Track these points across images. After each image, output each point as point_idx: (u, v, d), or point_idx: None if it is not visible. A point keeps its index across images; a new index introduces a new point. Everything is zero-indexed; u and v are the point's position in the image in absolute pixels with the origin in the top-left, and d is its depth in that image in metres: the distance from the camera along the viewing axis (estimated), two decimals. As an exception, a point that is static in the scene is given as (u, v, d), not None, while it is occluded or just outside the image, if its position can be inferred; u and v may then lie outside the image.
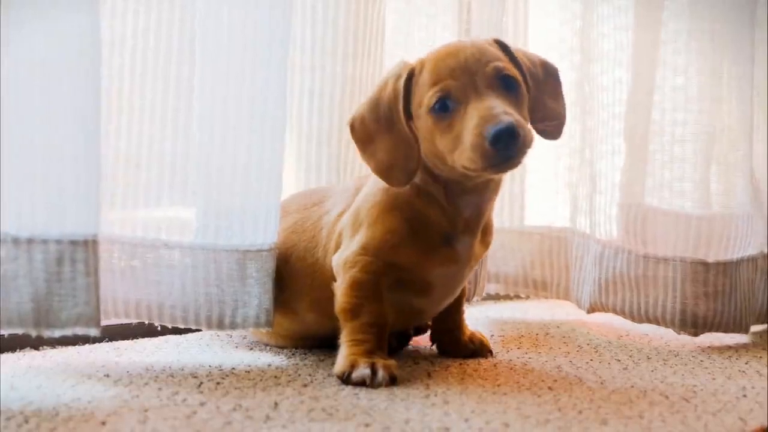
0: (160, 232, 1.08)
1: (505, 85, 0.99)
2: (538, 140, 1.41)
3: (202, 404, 0.89)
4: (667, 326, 1.34)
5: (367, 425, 0.83)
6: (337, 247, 1.08)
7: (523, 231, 1.55)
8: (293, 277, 1.12)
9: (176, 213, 1.11)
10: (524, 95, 1.02)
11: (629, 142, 1.41)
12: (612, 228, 1.41)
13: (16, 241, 0.91)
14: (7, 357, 1.09)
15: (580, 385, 1.03)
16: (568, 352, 1.22)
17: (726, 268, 1.33)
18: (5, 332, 0.95)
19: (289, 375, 1.04)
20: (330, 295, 1.05)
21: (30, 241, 0.92)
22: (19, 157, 0.92)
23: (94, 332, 0.94)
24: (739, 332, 1.35)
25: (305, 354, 1.16)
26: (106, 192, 1.08)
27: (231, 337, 1.26)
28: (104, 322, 1.18)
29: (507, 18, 1.48)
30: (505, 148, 0.93)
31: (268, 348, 1.20)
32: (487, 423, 0.85)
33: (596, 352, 1.24)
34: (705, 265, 1.33)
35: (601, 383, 1.04)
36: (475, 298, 1.42)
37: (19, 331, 0.93)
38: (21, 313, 0.91)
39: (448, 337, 1.18)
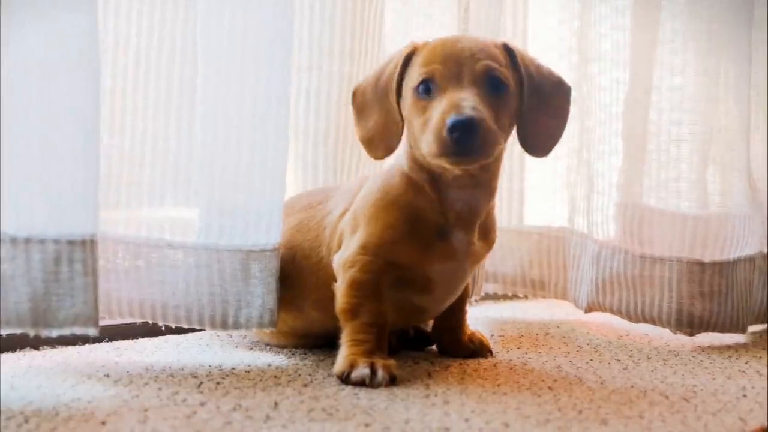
0: (164, 231, 1.09)
1: (491, 86, 0.99)
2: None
3: (202, 404, 0.89)
4: (663, 326, 1.34)
5: (367, 425, 0.83)
6: (339, 246, 1.08)
7: (522, 231, 1.55)
8: (298, 275, 1.12)
9: (180, 213, 1.11)
10: (511, 102, 1.02)
11: (627, 142, 1.41)
12: (609, 228, 1.41)
13: (14, 240, 0.91)
14: (7, 357, 1.09)
15: (580, 385, 1.03)
16: (568, 352, 1.22)
17: (722, 268, 1.33)
18: (4, 332, 0.95)
19: (289, 375, 1.04)
20: (333, 294, 1.06)
21: (28, 240, 0.92)
22: (17, 157, 0.91)
23: (92, 332, 0.94)
24: (736, 332, 1.35)
25: (305, 354, 1.16)
26: (110, 191, 1.08)
27: (231, 337, 1.26)
28: (105, 322, 1.20)
29: (506, 17, 1.48)
30: (460, 140, 0.93)
31: (268, 348, 1.20)
32: (487, 423, 0.85)
33: (596, 352, 1.24)
34: (701, 265, 1.33)
35: (601, 383, 1.04)
36: (473, 298, 1.42)
37: (17, 331, 0.93)
38: (19, 312, 0.91)
39: (448, 336, 1.18)
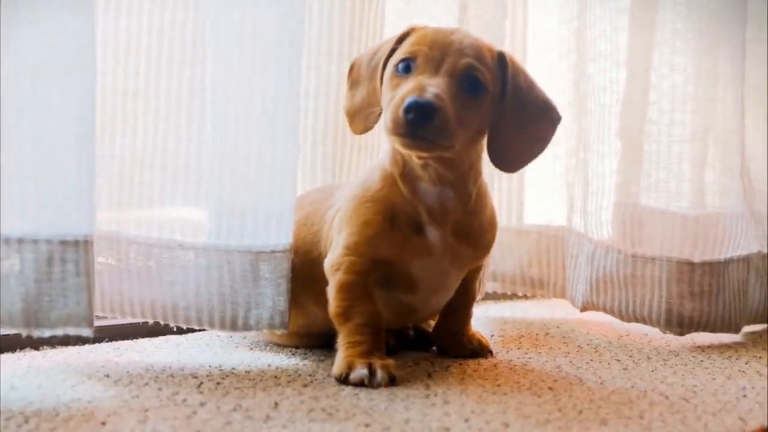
0: (175, 232, 1.09)
1: (468, 84, 0.99)
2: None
3: (202, 404, 0.89)
4: (653, 325, 1.34)
5: (367, 425, 0.83)
6: (331, 245, 1.08)
7: (521, 230, 1.55)
8: (300, 269, 1.12)
9: (190, 213, 1.11)
10: (484, 107, 1.01)
11: (624, 141, 1.41)
12: (605, 227, 1.41)
13: (7, 241, 0.91)
14: (7, 357, 1.09)
15: (580, 385, 1.03)
16: (568, 352, 1.22)
17: (713, 268, 1.33)
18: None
19: (289, 375, 1.04)
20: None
21: (21, 241, 0.92)
22: (11, 157, 0.91)
23: (86, 332, 0.94)
24: (728, 332, 1.35)
25: (305, 354, 1.16)
26: (123, 191, 1.09)
27: (231, 337, 1.26)
28: (106, 322, 1.20)
29: (506, 18, 1.48)
30: (414, 122, 0.93)
31: (268, 348, 1.20)
32: (487, 423, 0.85)
33: (596, 352, 1.24)
34: (691, 264, 1.33)
35: (601, 383, 1.04)
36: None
37: (10, 331, 0.93)
38: (11, 312, 0.91)
39: (448, 336, 1.18)
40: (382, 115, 1.00)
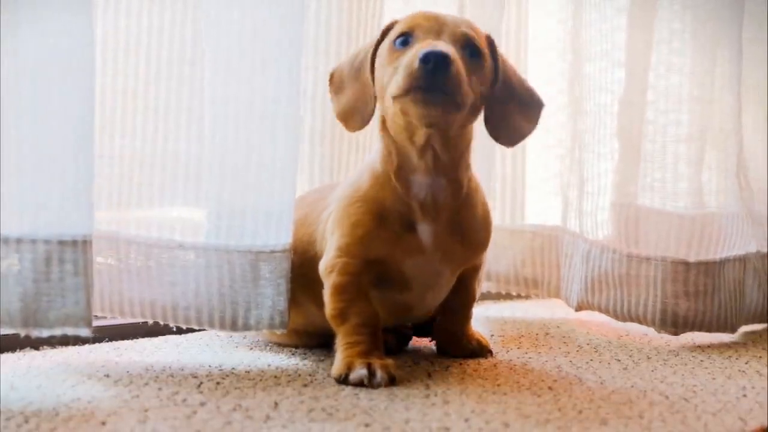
0: (175, 232, 1.09)
1: (468, 51, 1.00)
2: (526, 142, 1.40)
3: (202, 404, 0.89)
4: (648, 325, 1.34)
5: (367, 425, 0.83)
6: (327, 245, 1.09)
7: (515, 229, 1.55)
8: (298, 269, 1.12)
9: (190, 213, 1.11)
10: (485, 72, 1.03)
11: (622, 141, 1.41)
12: (599, 227, 1.41)
13: (6, 240, 0.91)
14: (7, 357, 1.09)
15: (580, 385, 1.03)
16: (568, 352, 1.22)
17: (708, 267, 1.33)
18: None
19: (289, 375, 1.04)
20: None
21: (19, 241, 0.92)
22: (10, 157, 0.91)
23: (84, 332, 0.94)
24: (724, 332, 1.35)
25: (305, 354, 1.16)
26: (122, 191, 1.09)
27: (231, 337, 1.26)
28: (106, 322, 1.20)
29: (506, 18, 1.48)
30: (432, 72, 0.93)
31: (268, 348, 1.20)
32: (487, 423, 0.85)
33: (596, 352, 1.24)
34: (686, 264, 1.33)
35: (601, 383, 1.04)
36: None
37: (8, 331, 0.93)
38: (10, 312, 0.91)
39: (448, 336, 1.18)
40: (390, 86, 0.98)
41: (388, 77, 0.99)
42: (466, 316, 1.18)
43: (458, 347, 1.17)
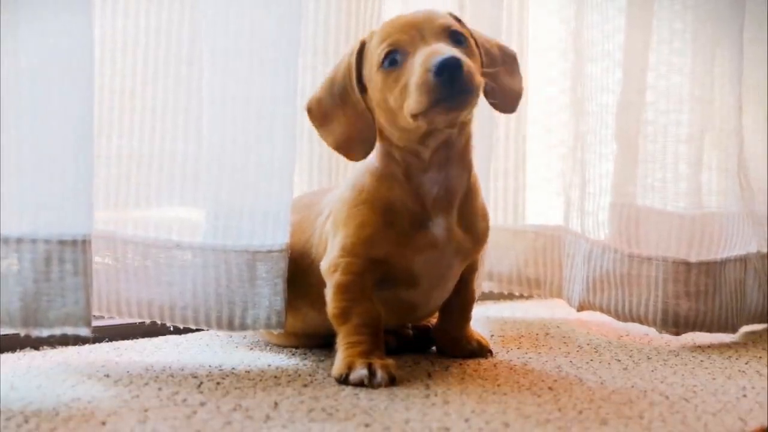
0: (172, 232, 1.09)
1: (455, 40, 1.00)
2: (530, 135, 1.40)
3: (202, 404, 0.89)
4: (649, 325, 1.34)
5: (367, 425, 0.83)
6: (324, 251, 1.08)
7: (517, 229, 1.55)
8: (296, 275, 1.12)
9: (187, 213, 1.11)
10: (475, 52, 1.03)
11: (622, 141, 1.41)
12: (601, 227, 1.41)
13: (6, 240, 0.92)
14: (7, 357, 1.09)
15: (580, 385, 1.03)
16: (568, 352, 1.22)
17: (709, 268, 1.33)
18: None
19: (289, 375, 1.04)
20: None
21: (19, 240, 0.92)
22: (9, 157, 0.92)
23: (84, 332, 0.94)
24: (725, 332, 1.35)
25: (305, 354, 1.16)
26: (120, 191, 1.09)
27: (231, 337, 1.26)
28: (106, 322, 1.20)
29: (506, 17, 1.48)
30: (450, 81, 0.93)
31: (268, 348, 1.20)
32: (487, 423, 0.85)
33: (596, 352, 1.24)
34: (687, 264, 1.33)
35: (601, 383, 1.04)
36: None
37: (8, 331, 0.94)
38: (10, 312, 0.92)
39: (448, 336, 1.18)
40: (405, 107, 0.97)
41: (397, 99, 0.98)
42: (466, 317, 1.18)
43: (458, 348, 1.17)
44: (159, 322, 1.10)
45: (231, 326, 1.09)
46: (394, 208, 1.04)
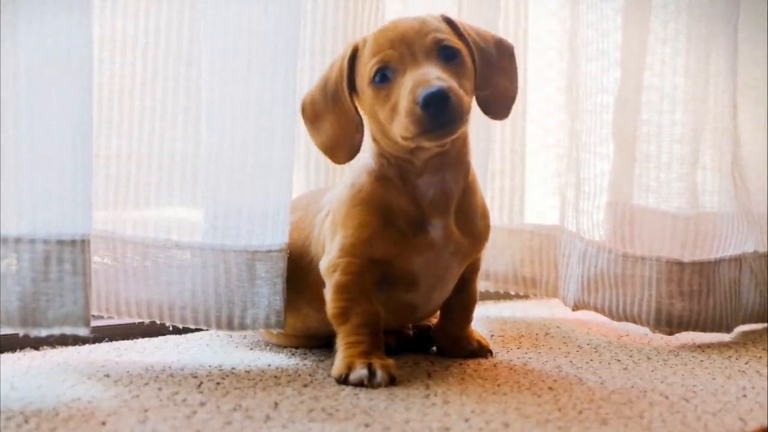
0: (171, 232, 1.09)
1: (445, 56, 1.00)
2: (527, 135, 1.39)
3: (202, 404, 0.89)
4: (643, 325, 1.34)
5: (367, 425, 0.83)
6: (323, 249, 1.08)
7: (513, 229, 1.55)
8: (294, 273, 1.12)
9: (186, 213, 1.12)
10: (467, 66, 1.03)
11: (617, 141, 1.41)
12: (596, 227, 1.41)
13: (5, 240, 0.92)
14: (7, 357, 1.09)
15: (580, 385, 1.03)
16: (568, 352, 1.22)
17: (702, 267, 1.33)
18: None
19: (289, 375, 1.04)
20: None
21: (18, 240, 0.92)
22: (8, 157, 0.92)
23: (82, 332, 0.94)
24: (719, 332, 1.35)
25: (305, 354, 1.16)
26: (119, 191, 1.09)
27: (231, 337, 1.26)
28: (106, 322, 1.20)
29: (503, 17, 1.48)
30: (436, 113, 0.94)
31: (268, 348, 1.20)
32: (487, 423, 0.85)
33: (596, 352, 1.24)
34: (680, 264, 1.33)
35: (601, 383, 1.04)
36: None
37: (7, 331, 0.94)
38: (9, 312, 0.92)
39: (448, 336, 1.18)
40: (393, 127, 0.98)
41: (387, 116, 0.99)
42: (468, 317, 1.18)
43: (459, 348, 1.17)
44: (158, 322, 1.10)
45: (230, 326, 1.09)
46: (392, 210, 1.05)
